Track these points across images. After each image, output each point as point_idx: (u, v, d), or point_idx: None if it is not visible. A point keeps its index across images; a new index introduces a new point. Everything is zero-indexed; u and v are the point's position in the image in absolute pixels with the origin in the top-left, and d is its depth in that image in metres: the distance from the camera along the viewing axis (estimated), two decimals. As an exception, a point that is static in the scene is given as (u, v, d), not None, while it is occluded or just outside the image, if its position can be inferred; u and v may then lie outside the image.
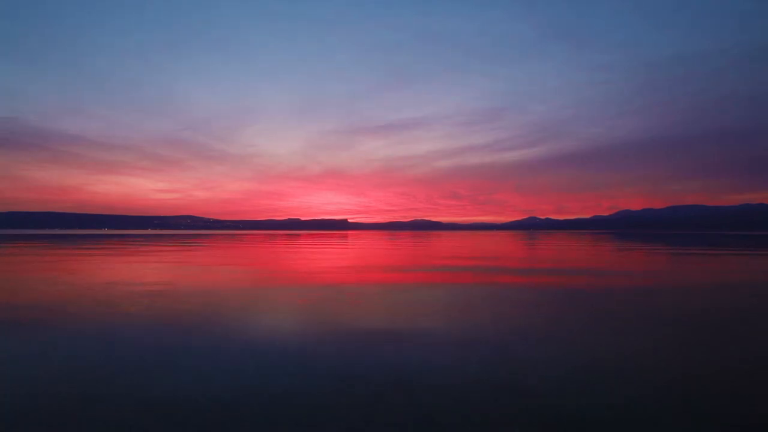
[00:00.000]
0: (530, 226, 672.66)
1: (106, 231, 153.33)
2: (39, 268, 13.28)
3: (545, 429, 2.78)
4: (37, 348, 4.59)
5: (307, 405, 3.09)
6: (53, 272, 11.92)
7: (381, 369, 3.84)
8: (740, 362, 4.05)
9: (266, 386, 3.45)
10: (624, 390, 3.35)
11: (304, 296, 7.85)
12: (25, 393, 3.37)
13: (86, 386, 3.49)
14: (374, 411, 2.99)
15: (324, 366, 3.93)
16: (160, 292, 8.35)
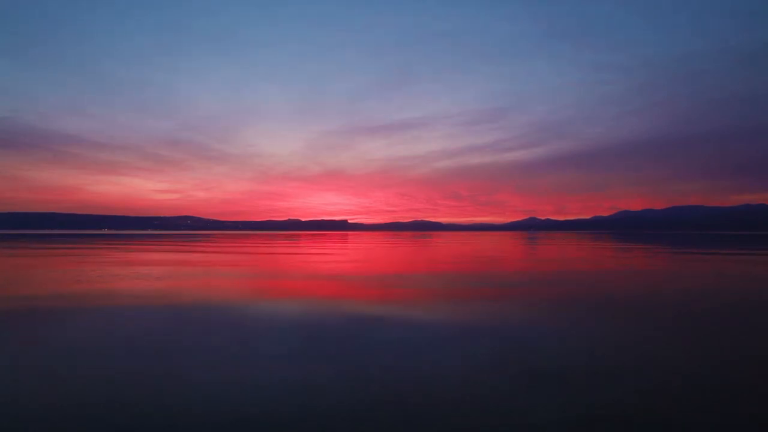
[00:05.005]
0: (530, 226, 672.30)
1: (106, 231, 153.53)
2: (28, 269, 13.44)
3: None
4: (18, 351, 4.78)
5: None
6: (44, 273, 12.09)
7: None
8: (739, 361, 4.06)
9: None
10: (620, 387, 3.34)
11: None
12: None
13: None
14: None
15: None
16: (158, 290, 8.55)
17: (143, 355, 4.07)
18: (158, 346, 4.40)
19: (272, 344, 4.47)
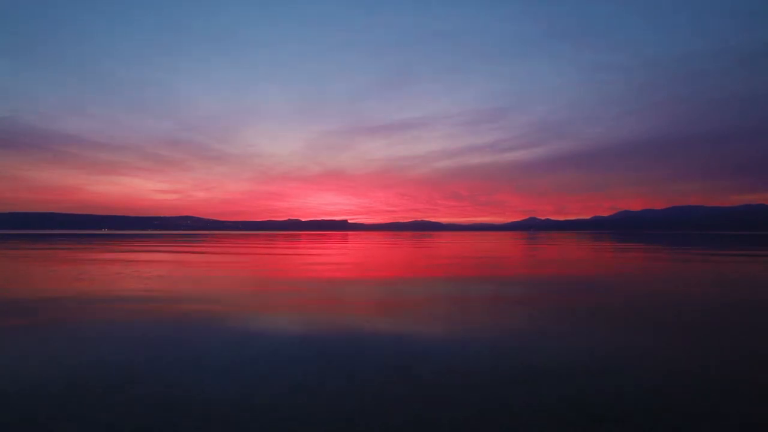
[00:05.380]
0: (530, 226, 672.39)
1: (105, 231, 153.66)
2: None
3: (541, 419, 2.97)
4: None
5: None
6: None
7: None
8: (738, 361, 4.03)
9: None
10: (620, 387, 3.29)
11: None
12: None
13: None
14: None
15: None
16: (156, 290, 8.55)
17: (139, 353, 4.07)
18: (155, 344, 4.39)
19: (264, 347, 4.46)
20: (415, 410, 2.89)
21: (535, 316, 5.82)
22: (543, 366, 3.74)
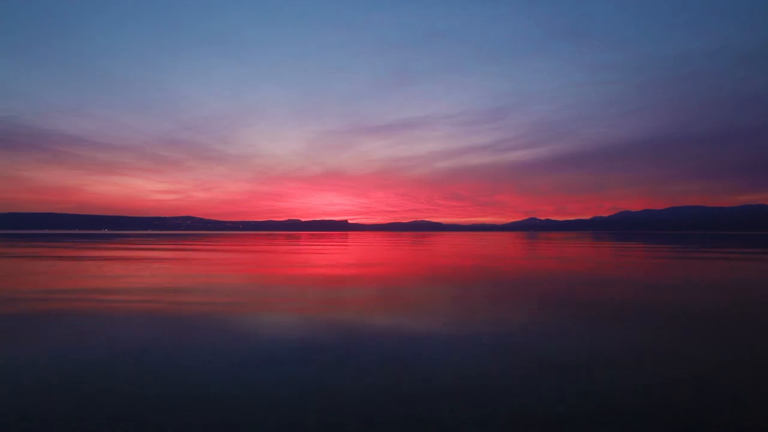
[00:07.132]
0: (531, 227, 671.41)
1: (106, 231, 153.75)
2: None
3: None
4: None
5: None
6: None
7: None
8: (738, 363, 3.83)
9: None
10: (620, 387, 3.12)
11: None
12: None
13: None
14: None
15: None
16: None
17: (135, 348, 3.97)
18: (151, 341, 4.30)
19: (250, 352, 4.36)
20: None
21: (539, 319, 5.68)
22: (550, 363, 3.61)
